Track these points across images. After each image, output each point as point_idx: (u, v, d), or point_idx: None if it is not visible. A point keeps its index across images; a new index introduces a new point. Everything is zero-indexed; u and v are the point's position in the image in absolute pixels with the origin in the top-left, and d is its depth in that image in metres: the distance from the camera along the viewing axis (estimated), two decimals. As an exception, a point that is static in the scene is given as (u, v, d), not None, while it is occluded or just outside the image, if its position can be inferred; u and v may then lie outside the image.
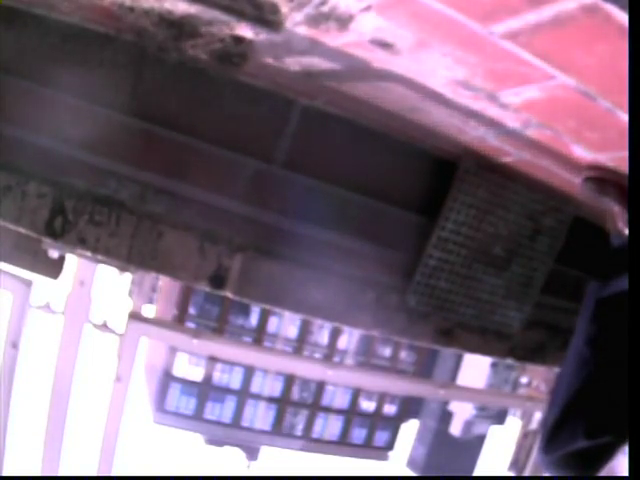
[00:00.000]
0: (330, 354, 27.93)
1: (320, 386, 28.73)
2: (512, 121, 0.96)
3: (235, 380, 28.11)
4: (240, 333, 27.04)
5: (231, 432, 28.50)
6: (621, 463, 1.00)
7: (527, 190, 1.33)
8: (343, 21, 0.77)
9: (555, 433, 1.08)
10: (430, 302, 1.35)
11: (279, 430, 29.03)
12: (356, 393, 29.49)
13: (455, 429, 32.28)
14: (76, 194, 1.14)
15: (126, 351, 1.71)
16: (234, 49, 1.01)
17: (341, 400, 29.86)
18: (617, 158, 0.93)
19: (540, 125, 0.93)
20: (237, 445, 29.78)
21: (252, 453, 29.97)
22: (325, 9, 0.76)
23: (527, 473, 2.45)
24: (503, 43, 0.69)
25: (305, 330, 27.98)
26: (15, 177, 1.11)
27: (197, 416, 27.96)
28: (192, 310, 26.86)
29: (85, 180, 1.14)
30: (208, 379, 27.73)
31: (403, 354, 30.47)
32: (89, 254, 1.18)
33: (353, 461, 29.81)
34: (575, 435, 1.05)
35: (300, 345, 27.95)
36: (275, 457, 29.48)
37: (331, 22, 0.79)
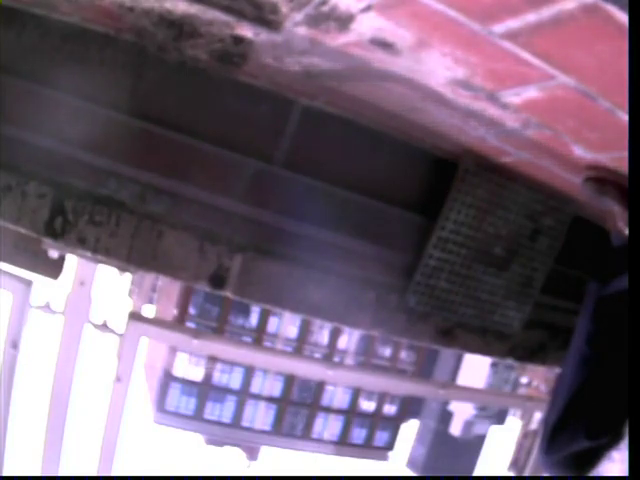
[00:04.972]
0: (330, 354, 27.93)
1: (320, 386, 28.74)
2: (512, 121, 0.96)
3: (235, 380, 28.12)
4: (240, 333, 27.05)
5: (231, 432, 28.51)
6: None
7: (527, 190, 1.33)
8: (343, 21, 0.77)
9: (556, 433, 1.08)
10: (430, 302, 1.35)
11: (279, 430, 29.03)
12: (356, 393, 29.50)
13: (455, 429, 32.31)
14: (76, 194, 1.14)
15: (126, 351, 1.71)
16: (234, 49, 1.01)
17: (341, 400, 29.87)
18: (617, 158, 0.93)
19: (540, 125, 0.93)
20: (237, 445, 29.79)
21: (252, 453, 29.98)
22: (325, 9, 0.76)
23: (527, 473, 2.45)
24: (503, 43, 0.69)
25: (305, 330, 27.99)
26: (15, 177, 1.11)
27: (197, 416, 27.96)
28: (192, 310, 26.86)
29: (85, 180, 1.14)
30: (208, 379, 27.73)
31: (403, 354, 30.48)
32: (89, 254, 1.18)
33: (353, 461, 29.81)
34: (576, 435, 1.05)
35: (300, 345, 27.96)
36: (275, 457, 29.48)
37: (331, 22, 0.79)
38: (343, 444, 30.05)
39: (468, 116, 1.01)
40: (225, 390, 28.22)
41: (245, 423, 28.69)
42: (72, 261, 1.53)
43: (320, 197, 1.28)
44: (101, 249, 1.16)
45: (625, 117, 0.75)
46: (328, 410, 29.81)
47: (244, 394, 28.26)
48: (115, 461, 1.83)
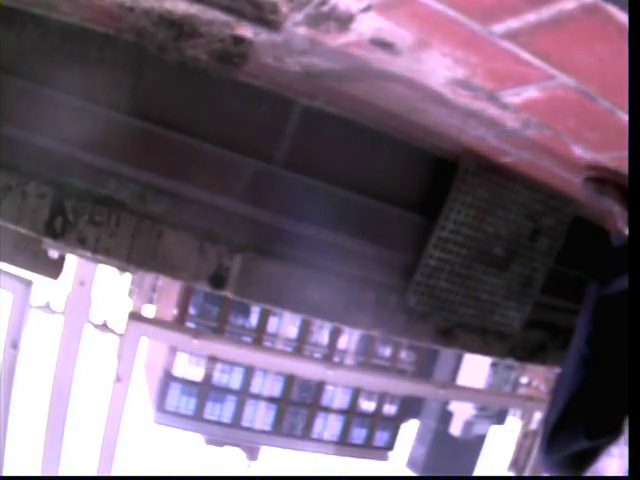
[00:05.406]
0: (330, 354, 27.93)
1: (320, 386, 28.74)
2: (512, 121, 0.96)
3: (235, 380, 28.12)
4: (240, 333, 27.05)
5: (231, 432, 28.51)
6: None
7: (527, 190, 1.33)
8: (343, 21, 0.77)
9: (556, 433, 1.08)
10: (430, 302, 1.35)
11: (279, 430, 29.04)
12: (356, 393, 29.50)
13: (455, 429, 32.31)
14: (76, 194, 1.14)
15: (126, 351, 1.71)
16: (234, 49, 1.01)
17: (341, 400, 29.87)
18: (617, 158, 0.93)
19: (540, 125, 0.93)
20: (237, 445, 29.79)
21: (252, 453, 29.99)
22: (325, 9, 0.76)
23: (527, 473, 2.45)
24: (503, 43, 0.69)
25: (305, 330, 27.99)
26: (15, 177, 1.11)
27: (197, 416, 27.97)
28: (192, 310, 26.86)
29: (85, 180, 1.14)
30: (208, 379, 27.74)
31: (403, 354, 30.49)
32: (89, 254, 1.18)
33: (353, 461, 29.81)
34: (576, 436, 1.05)
35: (300, 345, 27.96)
36: (275, 457, 29.49)
37: (331, 22, 0.79)
38: (343, 444, 30.05)
39: (468, 116, 1.01)
40: (225, 390, 28.22)
41: (245, 423, 28.70)
42: (72, 261, 1.53)
43: (320, 197, 1.28)
44: (101, 249, 1.16)
45: (625, 117, 0.75)
46: (328, 410, 29.81)
47: (244, 394, 28.26)
48: (115, 461, 1.83)
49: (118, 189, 1.16)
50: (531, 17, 0.62)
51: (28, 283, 1.55)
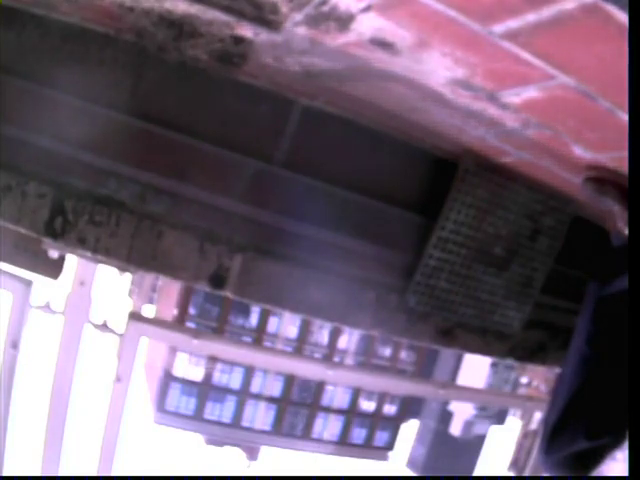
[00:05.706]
0: (330, 354, 27.94)
1: (320, 386, 28.73)
2: (512, 121, 0.96)
3: (235, 380, 28.12)
4: (240, 333, 27.05)
5: (231, 432, 28.50)
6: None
7: (527, 190, 1.33)
8: (343, 21, 0.77)
9: (556, 434, 1.08)
10: (430, 302, 1.35)
11: (279, 430, 29.03)
12: (356, 393, 29.50)
13: (455, 429, 32.31)
14: (76, 194, 1.14)
15: (126, 351, 1.71)
16: (234, 49, 1.01)
17: (341, 400, 29.87)
18: (617, 158, 0.93)
19: (540, 125, 0.93)
20: (237, 445, 29.79)
21: (252, 453, 29.98)
22: (325, 9, 0.76)
23: (527, 473, 2.45)
24: (503, 43, 0.69)
25: (305, 330, 27.99)
26: (15, 177, 1.11)
27: (197, 416, 27.97)
28: (192, 310, 26.86)
29: (85, 180, 1.14)
30: (208, 379, 27.74)
31: (403, 354, 30.49)
32: (89, 254, 1.18)
33: (353, 461, 29.81)
34: (576, 436, 1.05)
35: (300, 345, 27.96)
36: (275, 457, 29.48)
37: (331, 22, 0.79)
38: (343, 444, 30.05)
39: (468, 116, 1.01)
40: (225, 390, 28.22)
41: (245, 423, 28.69)
42: (72, 261, 1.53)
43: (320, 197, 1.28)
44: (101, 249, 1.16)
45: (625, 117, 0.75)
46: (328, 410, 29.81)
47: (244, 394, 28.26)
48: (115, 461, 1.83)
49: (118, 189, 1.16)
50: (531, 17, 0.62)
51: (28, 283, 1.55)
